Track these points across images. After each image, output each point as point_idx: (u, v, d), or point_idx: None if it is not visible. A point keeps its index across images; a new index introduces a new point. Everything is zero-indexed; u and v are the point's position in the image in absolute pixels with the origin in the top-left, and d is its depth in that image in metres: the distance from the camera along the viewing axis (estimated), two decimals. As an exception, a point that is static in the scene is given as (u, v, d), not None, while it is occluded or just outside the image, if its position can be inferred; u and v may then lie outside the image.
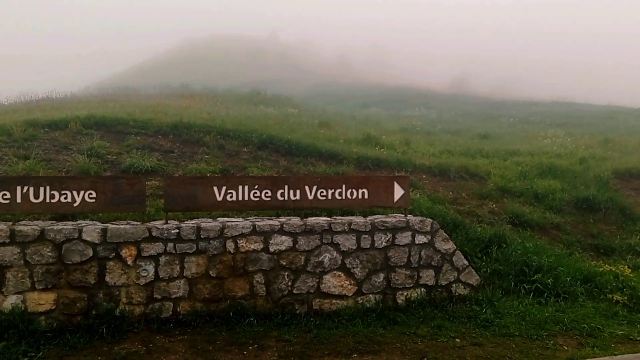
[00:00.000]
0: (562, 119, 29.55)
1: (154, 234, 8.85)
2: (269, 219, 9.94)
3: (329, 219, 10.11)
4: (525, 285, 10.59)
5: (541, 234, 12.74)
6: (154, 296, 8.82)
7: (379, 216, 10.54)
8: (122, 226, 8.85)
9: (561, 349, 8.58)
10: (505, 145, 19.66)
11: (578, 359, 8.19)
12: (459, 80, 51.21)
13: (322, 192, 9.97)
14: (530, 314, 9.69)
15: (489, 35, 78.43)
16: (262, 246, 9.32)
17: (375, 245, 9.92)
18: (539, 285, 10.52)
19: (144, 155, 12.65)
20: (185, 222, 9.47)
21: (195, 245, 9.01)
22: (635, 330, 9.36)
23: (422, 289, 10.15)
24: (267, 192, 9.68)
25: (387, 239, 9.97)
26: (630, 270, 11.33)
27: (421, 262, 10.17)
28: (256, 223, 9.41)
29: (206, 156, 13.25)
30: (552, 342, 8.80)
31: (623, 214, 14.05)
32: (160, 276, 8.85)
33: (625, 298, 10.37)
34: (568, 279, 10.67)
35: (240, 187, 9.58)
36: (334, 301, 9.63)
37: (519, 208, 13.33)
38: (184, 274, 8.96)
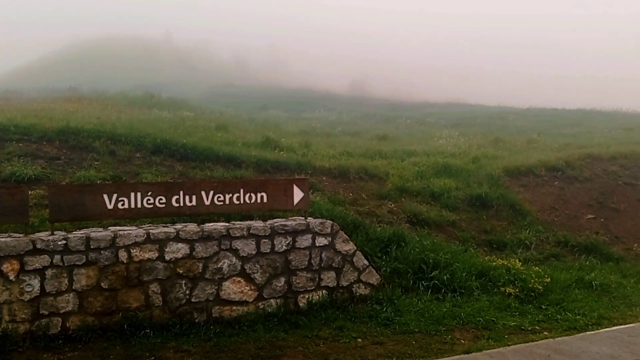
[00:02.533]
0: (456, 120, 30.71)
1: (38, 246, 8.31)
2: (164, 226, 9.57)
3: (227, 224, 9.89)
4: (423, 282, 10.81)
5: (438, 231, 13.07)
6: (41, 312, 8.28)
7: (279, 220, 10.42)
8: (3, 239, 8.23)
9: (458, 343, 8.83)
10: (403, 146, 20.10)
11: (474, 352, 8.44)
12: (358, 83, 52.06)
13: (219, 197, 9.71)
14: (429, 310, 9.90)
15: (386, 38, 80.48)
16: (157, 255, 8.96)
17: (276, 249, 9.78)
18: (436, 281, 10.77)
19: (27, 163, 11.84)
20: (74, 232, 8.98)
21: (84, 257, 8.53)
22: (526, 321, 9.79)
23: (324, 291, 10.12)
24: (161, 199, 9.30)
25: (287, 242, 9.86)
26: (521, 263, 11.84)
27: (322, 264, 10.13)
28: (150, 231, 9.05)
29: (96, 162, 12.60)
30: (450, 336, 9.05)
31: (513, 210, 14.70)
32: (47, 290, 8.32)
33: (517, 290, 10.82)
34: (464, 274, 10.99)
35: (132, 194, 9.14)
36: (234, 308, 9.42)
37: (416, 207, 13.62)
38: (73, 287, 8.47)
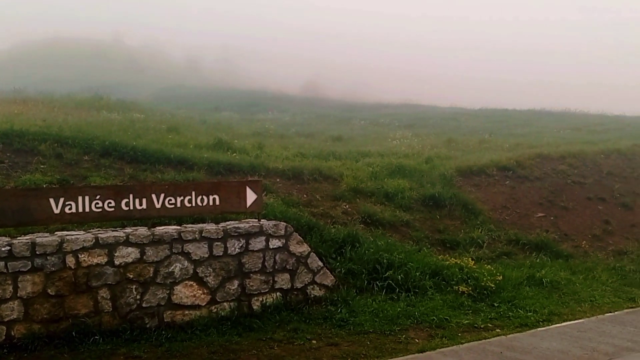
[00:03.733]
0: (410, 120, 30.96)
1: (-20, 253, 7.96)
2: (113, 231, 9.34)
3: (178, 227, 9.71)
4: (378, 282, 10.84)
5: (392, 231, 13.13)
6: (-17, 321, 7.94)
7: (232, 222, 10.29)
8: (-59, 247, 7.89)
9: (413, 342, 8.89)
10: (357, 147, 20.14)
11: (428, 350, 8.52)
12: (312, 84, 51.96)
13: (170, 200, 9.53)
14: (383, 310, 9.94)
15: (341, 39, 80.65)
16: (106, 259, 8.74)
17: (229, 252, 9.66)
18: (391, 281, 10.81)
19: (-32, 167, 11.38)
20: (19, 238, 8.69)
21: (30, 263, 8.26)
22: (479, 319, 9.92)
23: (278, 293, 10.04)
24: (110, 202, 9.07)
25: (240, 245, 9.75)
26: (473, 262, 11.99)
27: (276, 267, 10.05)
28: (99, 235, 8.82)
29: (42, 166, 12.19)
30: (404, 336, 9.11)
31: (466, 209, 14.88)
32: (-10, 299, 7.99)
33: (470, 289, 10.94)
34: (418, 273, 11.05)
35: (80, 198, 8.90)
36: (186, 312, 9.26)
37: (371, 208, 13.65)
38: (18, 295, 8.20)
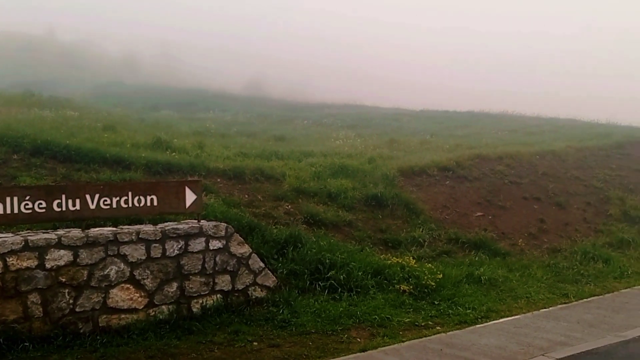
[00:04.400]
0: (353, 121, 31.07)
1: None
2: (44, 232, 8.97)
3: (114, 229, 9.40)
4: (320, 282, 10.81)
5: (335, 231, 13.11)
6: None
7: (171, 223, 10.04)
8: None
9: (355, 342, 8.89)
10: (300, 147, 20.05)
11: (370, 349, 8.55)
12: (255, 83, 51.49)
13: (105, 200, 9.23)
14: (325, 310, 9.91)
15: (283, 38, 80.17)
16: (37, 263, 8.37)
17: (167, 253, 9.41)
18: (333, 281, 10.79)
19: None
20: (-60, 241, 8.18)
21: (-47, 268, 7.79)
22: (420, 317, 10.02)
23: (219, 295, 9.86)
24: (40, 203, 8.70)
25: (179, 246, 9.52)
26: (414, 261, 12.08)
27: (216, 268, 9.87)
28: (29, 237, 8.44)
29: (-33, 166, 11.61)
30: (346, 335, 9.10)
31: (408, 209, 15.00)
32: None
33: (411, 287, 11.03)
34: (360, 273, 11.07)
35: (8, 199, 8.51)
36: (122, 316, 8.97)
37: (313, 208, 13.59)
38: (-60, 301, 7.72)
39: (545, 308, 10.99)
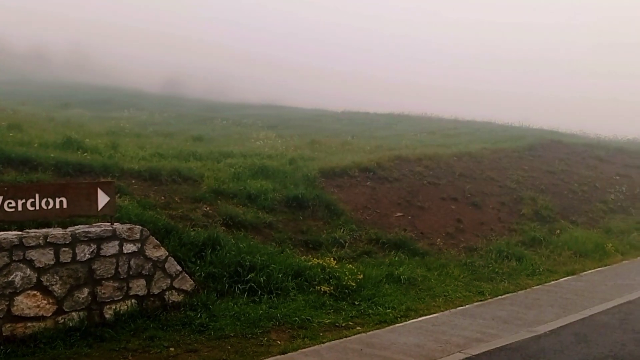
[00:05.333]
0: (274, 121, 30.82)
1: None
2: (-60, 238, 8.30)
3: (20, 232, 8.85)
4: (239, 285, 10.62)
5: (255, 233, 12.92)
6: None
7: (82, 226, 9.54)
8: None
9: (275, 344, 8.81)
10: (219, 148, 19.66)
11: (290, 351, 8.49)
12: (171, 82, 50.32)
13: (10, 203, 8.70)
14: (245, 313, 9.75)
15: (201, 38, 78.58)
16: None
17: (78, 258, 8.95)
18: (253, 284, 10.63)
19: None
20: None
21: None
22: (340, 318, 10.04)
23: (133, 300, 9.49)
24: None
25: (91, 250, 9.08)
26: (335, 262, 12.08)
27: (131, 272, 9.49)
28: None
29: None
30: (266, 338, 9.01)
31: (329, 210, 15.00)
32: None
33: (332, 288, 11.03)
34: (280, 275, 10.95)
35: None
36: (29, 324, 8.46)
37: (232, 209, 13.34)
38: None
39: (462, 306, 11.25)
